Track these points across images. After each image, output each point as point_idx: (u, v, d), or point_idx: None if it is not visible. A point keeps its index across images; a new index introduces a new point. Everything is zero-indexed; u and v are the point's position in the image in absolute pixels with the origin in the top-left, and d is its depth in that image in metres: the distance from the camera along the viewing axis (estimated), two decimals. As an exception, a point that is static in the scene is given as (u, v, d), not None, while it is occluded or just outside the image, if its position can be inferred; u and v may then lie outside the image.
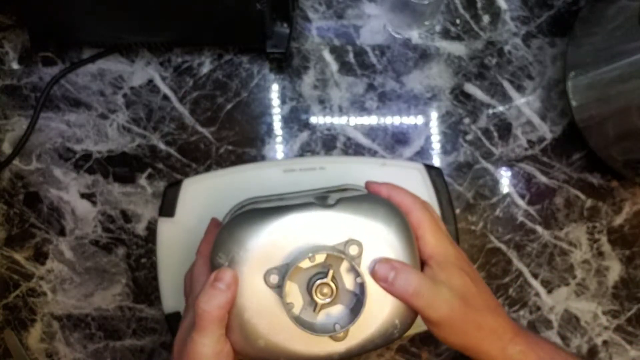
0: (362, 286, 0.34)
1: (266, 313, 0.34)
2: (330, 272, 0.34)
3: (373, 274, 0.35)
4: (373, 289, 0.34)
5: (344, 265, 0.35)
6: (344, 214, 0.35)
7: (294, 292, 0.35)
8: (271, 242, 0.34)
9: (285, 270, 0.34)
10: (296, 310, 0.35)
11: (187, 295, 0.40)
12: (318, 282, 0.34)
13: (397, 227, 0.35)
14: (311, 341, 0.34)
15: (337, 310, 0.35)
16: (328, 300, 0.34)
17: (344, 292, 0.35)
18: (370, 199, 0.37)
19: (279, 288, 0.34)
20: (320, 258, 0.34)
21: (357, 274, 0.34)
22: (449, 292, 0.35)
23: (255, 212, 0.36)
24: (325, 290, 0.34)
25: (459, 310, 0.35)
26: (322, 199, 0.36)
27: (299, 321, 0.33)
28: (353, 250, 0.34)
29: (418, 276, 0.35)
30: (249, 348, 0.35)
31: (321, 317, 0.35)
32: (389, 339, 0.36)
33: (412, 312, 0.35)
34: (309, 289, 0.34)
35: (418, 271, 0.35)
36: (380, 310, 0.35)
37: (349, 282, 0.35)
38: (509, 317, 0.38)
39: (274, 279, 0.34)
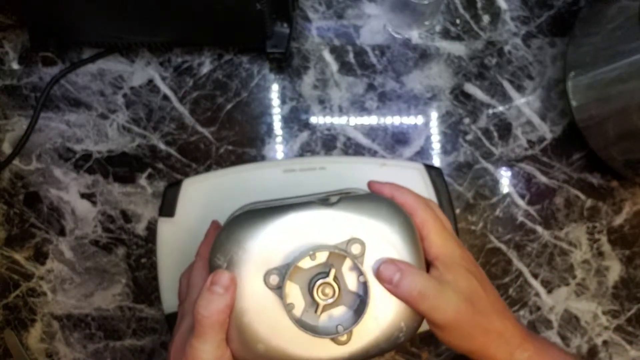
0: (365, 285, 0.33)
1: (266, 316, 0.33)
2: (332, 272, 0.33)
3: (377, 275, 0.33)
4: (377, 291, 0.33)
5: (347, 264, 0.34)
6: (346, 213, 0.34)
7: (295, 294, 0.34)
8: (271, 242, 0.33)
9: (285, 271, 0.33)
10: (297, 312, 0.34)
11: (182, 298, 0.39)
12: (319, 282, 0.33)
13: (400, 226, 0.34)
14: (313, 345, 0.33)
15: (340, 312, 0.34)
16: (330, 300, 0.33)
17: (347, 293, 0.34)
18: (373, 198, 0.36)
19: (279, 289, 0.33)
20: (321, 257, 0.33)
21: (360, 273, 0.33)
22: (455, 294, 0.34)
23: (255, 212, 0.35)
24: (327, 290, 0.33)
25: (465, 313, 0.34)
26: (324, 198, 0.35)
27: (300, 323, 0.32)
28: (355, 249, 0.33)
29: (423, 278, 0.33)
30: (248, 353, 0.34)
31: (323, 319, 0.34)
32: (395, 343, 0.34)
33: (418, 315, 0.34)
34: (310, 289, 0.33)
35: (424, 273, 0.34)
36: (385, 313, 0.34)
37: (351, 282, 0.34)
38: (516, 320, 0.37)
39: (274, 279, 0.33)
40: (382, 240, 0.34)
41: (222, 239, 0.34)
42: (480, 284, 0.35)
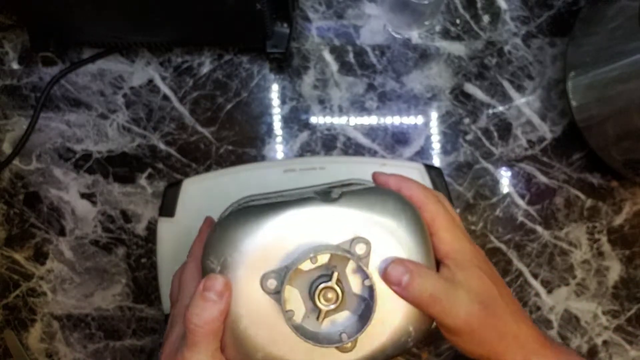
0: (371, 289, 0.30)
1: (264, 322, 0.31)
2: (335, 275, 0.30)
3: (384, 276, 0.31)
4: (383, 293, 0.31)
5: (350, 266, 0.31)
6: (349, 209, 0.31)
7: (295, 298, 0.31)
8: (268, 242, 0.31)
9: (284, 274, 0.30)
10: (297, 318, 0.31)
11: (174, 300, 0.36)
12: (321, 286, 0.30)
13: (408, 222, 0.32)
14: (315, 353, 0.31)
15: (343, 318, 0.31)
16: (333, 306, 0.30)
17: (351, 297, 0.31)
18: (378, 191, 0.33)
19: (277, 294, 0.30)
20: (323, 259, 0.31)
21: (366, 276, 0.30)
22: (468, 296, 0.31)
23: (250, 209, 0.32)
24: (330, 295, 0.30)
25: (478, 316, 0.31)
26: (324, 193, 0.33)
27: (300, 331, 0.30)
28: (360, 249, 0.31)
29: (435, 279, 0.31)
30: None
31: (325, 326, 0.31)
32: (402, 348, 0.32)
33: (427, 318, 0.32)
34: (311, 294, 0.31)
35: (435, 273, 0.32)
36: (392, 317, 0.31)
37: (355, 285, 0.32)
38: (532, 322, 0.35)
39: (272, 283, 0.30)
40: (389, 237, 0.31)
41: (214, 240, 0.32)
42: (494, 284, 0.33)
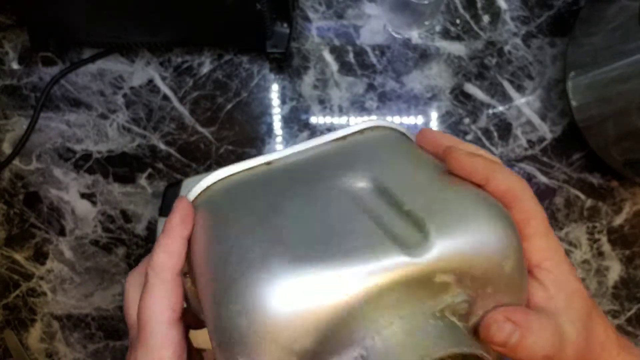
0: None
1: None
2: None
3: (485, 335, 0.23)
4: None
5: None
6: (441, 255, 0.21)
7: None
8: (328, 322, 0.20)
9: None
10: None
11: (130, 322, 0.26)
12: None
13: (515, 252, 0.23)
14: None
15: None
16: None
17: None
18: (470, 211, 0.23)
19: None
20: None
21: None
22: (574, 329, 0.25)
23: (282, 267, 0.21)
24: None
25: (583, 348, 0.26)
26: (400, 223, 0.22)
27: None
28: (460, 308, 0.22)
29: (548, 334, 0.24)
30: None
31: None
32: None
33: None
34: None
35: (545, 321, 0.25)
36: None
37: None
38: (608, 321, 0.29)
39: None
40: (488, 275, 0.23)
41: (244, 333, 0.20)
42: (585, 292, 0.27)
